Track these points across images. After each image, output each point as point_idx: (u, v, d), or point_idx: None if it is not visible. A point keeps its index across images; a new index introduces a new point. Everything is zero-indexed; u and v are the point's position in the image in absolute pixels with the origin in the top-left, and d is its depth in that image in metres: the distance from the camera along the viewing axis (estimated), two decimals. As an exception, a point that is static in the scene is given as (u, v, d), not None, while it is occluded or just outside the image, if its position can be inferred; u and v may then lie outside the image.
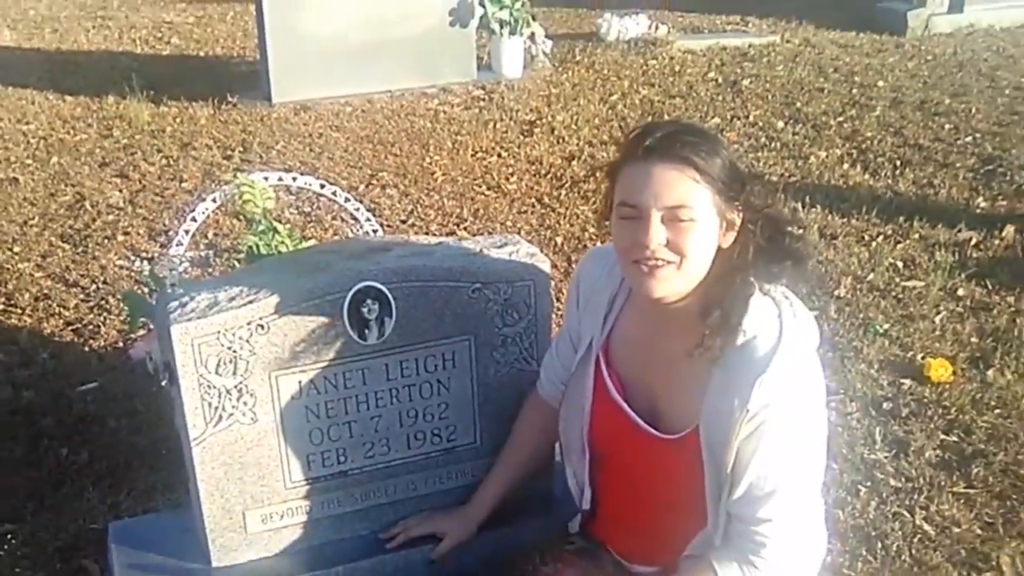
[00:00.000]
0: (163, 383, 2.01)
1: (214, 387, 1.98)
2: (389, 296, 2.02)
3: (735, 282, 1.71)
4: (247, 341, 1.97)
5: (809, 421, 1.70)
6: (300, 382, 2.04)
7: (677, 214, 1.64)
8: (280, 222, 3.19)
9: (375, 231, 2.96)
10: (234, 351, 1.96)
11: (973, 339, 3.77)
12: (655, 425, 1.83)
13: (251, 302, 1.95)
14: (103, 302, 4.04)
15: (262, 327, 1.97)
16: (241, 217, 3.54)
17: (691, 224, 1.64)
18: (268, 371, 2.01)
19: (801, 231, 1.74)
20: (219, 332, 1.94)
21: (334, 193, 2.92)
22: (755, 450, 1.68)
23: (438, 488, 2.25)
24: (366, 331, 2.04)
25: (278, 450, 2.08)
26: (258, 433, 2.05)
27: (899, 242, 4.60)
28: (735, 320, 1.69)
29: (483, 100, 6.94)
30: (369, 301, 2.01)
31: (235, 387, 1.99)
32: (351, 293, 1.99)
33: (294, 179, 2.89)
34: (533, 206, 5.08)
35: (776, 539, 1.71)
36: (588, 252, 2.04)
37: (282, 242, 2.60)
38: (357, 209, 2.93)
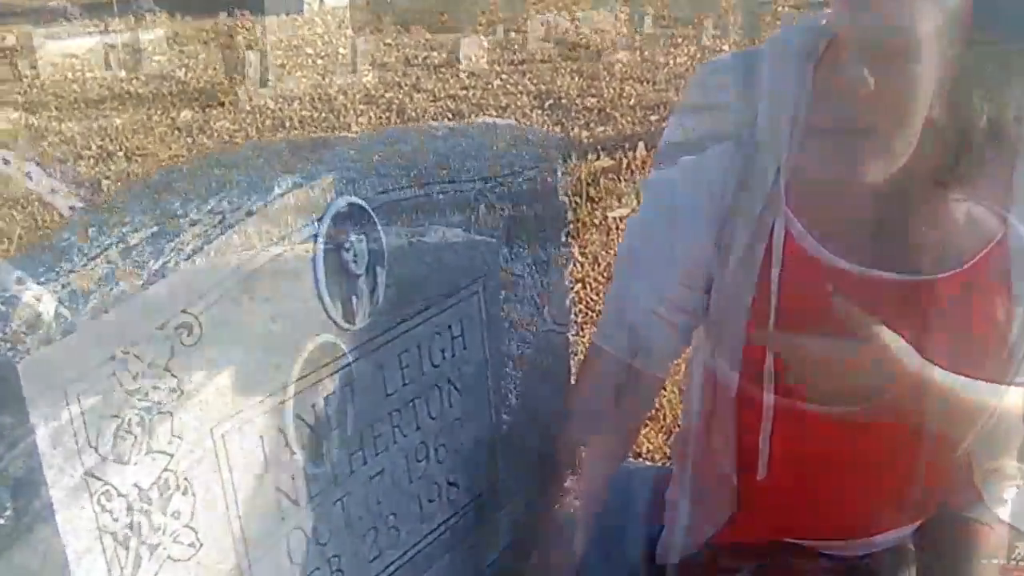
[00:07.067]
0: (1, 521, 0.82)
1: (118, 494, 0.86)
2: (377, 223, 1.06)
3: None
4: (165, 368, 0.88)
5: None
6: (263, 438, 0.98)
7: None
8: None
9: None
10: (145, 395, 0.87)
11: None
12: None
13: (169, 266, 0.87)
14: None
15: (187, 328, 0.89)
16: None
17: None
18: (208, 427, 0.93)
19: None
20: (115, 356, 0.83)
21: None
22: None
23: (463, 583, 1.27)
24: (353, 299, 1.04)
25: (241, 601, 0.98)
26: (204, 576, 0.94)
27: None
28: None
29: None
30: (353, 238, 1.03)
31: (155, 483, 0.89)
32: (326, 222, 1.00)
33: None
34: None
35: None
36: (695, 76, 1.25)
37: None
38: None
